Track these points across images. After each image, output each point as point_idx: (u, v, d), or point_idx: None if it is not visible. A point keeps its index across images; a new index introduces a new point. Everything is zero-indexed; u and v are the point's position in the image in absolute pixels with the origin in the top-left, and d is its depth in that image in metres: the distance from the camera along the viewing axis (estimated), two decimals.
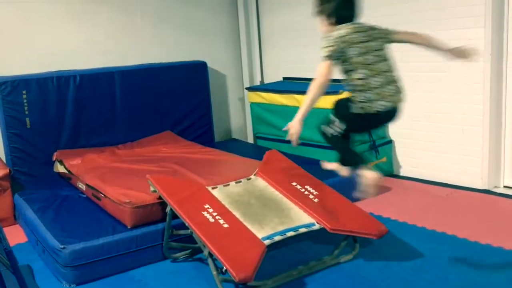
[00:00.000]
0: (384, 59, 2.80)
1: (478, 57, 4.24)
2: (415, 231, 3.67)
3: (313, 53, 5.77)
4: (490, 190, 4.48)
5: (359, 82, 2.74)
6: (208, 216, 3.08)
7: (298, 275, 3.10)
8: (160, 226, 3.42)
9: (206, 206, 3.18)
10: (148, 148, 5.15)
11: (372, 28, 2.79)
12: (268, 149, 4.53)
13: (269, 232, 2.99)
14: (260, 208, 3.28)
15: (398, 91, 2.78)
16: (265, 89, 5.79)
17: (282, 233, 3.00)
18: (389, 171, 5.18)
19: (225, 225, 3.01)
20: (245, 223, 3.07)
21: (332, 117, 3.01)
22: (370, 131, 4.59)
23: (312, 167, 4.13)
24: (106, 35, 5.55)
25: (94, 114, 5.18)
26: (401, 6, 4.78)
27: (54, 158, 4.87)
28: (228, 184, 3.57)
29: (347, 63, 2.77)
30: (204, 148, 5.13)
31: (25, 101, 4.78)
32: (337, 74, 2.95)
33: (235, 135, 6.63)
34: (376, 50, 2.74)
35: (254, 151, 5.29)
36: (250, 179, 3.68)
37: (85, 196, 4.13)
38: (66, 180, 4.63)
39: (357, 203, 4.03)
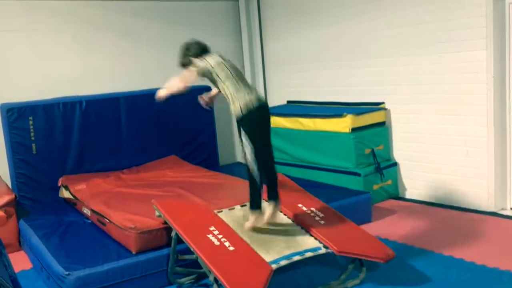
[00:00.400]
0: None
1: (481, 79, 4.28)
2: (422, 255, 3.63)
3: (317, 77, 5.83)
4: (497, 212, 4.44)
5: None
6: (213, 239, 3.06)
7: None
8: (165, 251, 3.41)
9: (212, 228, 3.17)
10: (153, 172, 5.16)
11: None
12: None
13: (275, 256, 2.97)
14: (266, 232, 3.26)
15: None
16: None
17: (288, 257, 2.98)
18: (395, 194, 5.16)
19: (231, 248, 2.99)
20: (251, 247, 3.05)
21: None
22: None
23: (317, 190, 4.13)
24: (111, 61, 5.62)
25: (99, 139, 5.21)
26: (404, 30, 4.83)
27: (59, 184, 4.89)
28: (233, 208, 3.56)
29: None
30: (209, 172, 5.13)
31: (31, 127, 4.82)
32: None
33: (239, 159, 6.63)
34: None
35: None
36: None
37: (90, 221, 4.13)
38: (71, 205, 4.63)
39: (363, 226, 4.01)
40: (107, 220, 3.75)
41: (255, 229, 3.29)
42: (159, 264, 3.39)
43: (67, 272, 3.13)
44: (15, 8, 5.06)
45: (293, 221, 3.38)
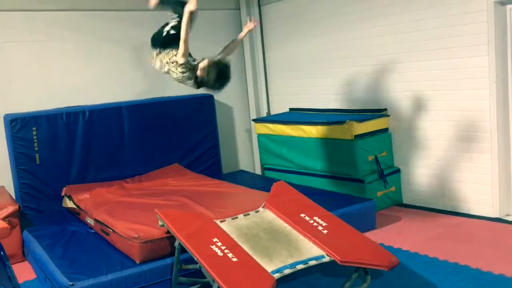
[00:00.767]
0: None
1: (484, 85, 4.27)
2: (427, 262, 3.62)
3: (319, 84, 5.84)
4: (502, 218, 4.42)
5: None
6: (216, 250, 3.06)
7: None
8: (168, 261, 3.40)
9: (215, 239, 3.16)
10: (156, 181, 5.16)
11: None
12: (276, 180, 4.53)
13: (278, 265, 2.96)
14: (269, 241, 3.25)
15: None
16: (272, 120, 5.83)
17: (291, 266, 2.97)
18: (398, 200, 5.14)
19: (234, 259, 2.98)
20: (254, 257, 3.04)
21: None
22: None
23: (320, 197, 4.11)
24: (113, 70, 5.65)
25: (102, 148, 5.23)
26: (406, 36, 4.84)
27: (63, 194, 4.90)
28: (237, 217, 3.56)
29: None
30: (212, 180, 5.13)
31: (35, 137, 4.84)
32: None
33: (242, 167, 6.64)
34: None
35: (262, 183, 5.28)
36: (258, 211, 3.66)
37: (93, 231, 4.13)
38: (75, 215, 4.63)
39: (368, 234, 3.99)
40: (111, 230, 3.75)
41: (257, 238, 3.28)
42: (163, 274, 3.38)
43: (71, 283, 3.13)
44: (17, 19, 5.09)
45: (296, 231, 3.36)
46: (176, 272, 3.33)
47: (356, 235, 3.37)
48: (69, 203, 4.76)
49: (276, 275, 2.86)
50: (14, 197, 4.86)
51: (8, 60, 5.06)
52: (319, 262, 3.04)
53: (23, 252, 4.32)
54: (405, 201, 5.17)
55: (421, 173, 4.98)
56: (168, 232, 3.39)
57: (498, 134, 4.35)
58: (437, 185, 4.85)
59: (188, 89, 6.08)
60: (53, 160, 4.96)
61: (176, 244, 3.26)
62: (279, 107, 6.40)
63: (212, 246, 3.08)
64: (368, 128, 4.96)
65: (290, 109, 6.23)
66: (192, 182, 5.06)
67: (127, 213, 4.05)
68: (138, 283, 3.30)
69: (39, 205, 4.89)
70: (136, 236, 3.42)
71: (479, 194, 4.52)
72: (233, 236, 3.26)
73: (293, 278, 3.40)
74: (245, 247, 3.13)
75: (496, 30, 4.21)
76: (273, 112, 6.51)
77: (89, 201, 4.52)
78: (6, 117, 4.84)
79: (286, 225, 3.44)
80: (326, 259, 3.06)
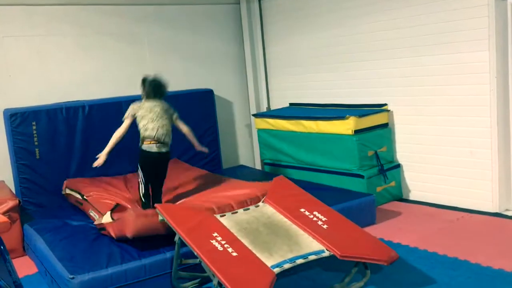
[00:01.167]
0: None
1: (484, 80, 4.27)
2: (426, 257, 3.62)
3: (319, 79, 5.84)
4: (501, 213, 4.43)
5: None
6: (216, 244, 3.06)
7: None
8: (168, 255, 3.41)
9: (215, 234, 3.17)
10: None
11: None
12: (276, 175, 4.54)
13: (278, 259, 2.97)
14: (268, 235, 3.26)
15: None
16: (271, 115, 5.83)
17: (291, 260, 2.98)
18: (398, 195, 5.15)
19: (234, 254, 2.99)
20: (254, 251, 3.05)
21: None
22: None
23: (320, 192, 4.12)
24: (114, 65, 5.64)
25: (102, 143, 5.17)
26: (406, 31, 4.83)
27: (64, 187, 4.90)
28: (236, 212, 3.56)
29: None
30: (212, 175, 5.13)
31: (34, 132, 4.83)
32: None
33: (242, 162, 6.64)
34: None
35: (262, 177, 5.27)
36: (258, 206, 3.67)
37: (94, 225, 4.12)
38: (78, 204, 4.61)
39: (367, 229, 4.00)
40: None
41: (257, 233, 3.28)
42: (163, 268, 3.39)
43: (71, 276, 3.14)
44: (17, 14, 5.08)
45: (295, 225, 3.37)
46: (176, 267, 3.34)
47: (355, 230, 3.38)
48: (71, 193, 4.76)
49: (276, 270, 2.87)
50: (14, 191, 4.87)
51: (7, 54, 5.05)
52: (319, 257, 3.05)
53: (23, 247, 4.33)
54: (404, 196, 5.18)
55: (421, 168, 4.98)
56: (168, 226, 3.39)
57: (498, 129, 4.35)
58: (437, 180, 4.85)
59: (188, 84, 6.11)
60: (53, 154, 4.96)
61: (176, 238, 3.27)
62: (279, 102, 6.39)
63: (212, 241, 3.09)
64: (368, 123, 4.96)
65: (290, 104, 6.23)
66: (192, 177, 5.05)
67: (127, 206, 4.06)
68: (138, 276, 3.31)
69: (39, 200, 4.89)
70: (129, 208, 3.41)
71: (479, 189, 4.53)
72: (233, 230, 3.27)
73: (293, 273, 3.41)
74: (245, 241, 3.14)
75: (497, 25, 4.20)
76: (273, 107, 6.50)
77: (94, 193, 4.51)
78: (5, 111, 4.84)
79: (286, 219, 3.45)
80: (326, 253, 3.07)
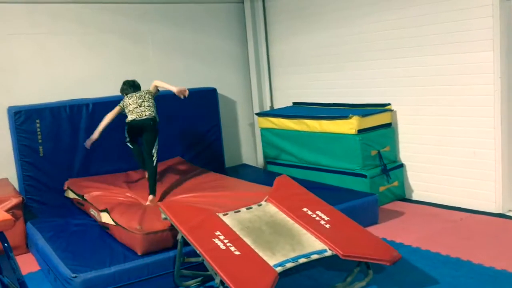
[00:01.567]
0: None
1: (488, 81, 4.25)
2: (429, 257, 3.62)
3: (322, 78, 5.83)
4: (504, 214, 4.42)
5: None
6: (219, 243, 3.07)
7: None
8: (171, 253, 3.42)
9: (217, 233, 3.17)
10: (159, 175, 5.16)
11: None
12: (279, 174, 4.54)
13: (280, 259, 2.97)
14: (271, 234, 3.26)
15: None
16: (275, 114, 5.83)
17: (294, 259, 2.98)
18: (401, 195, 5.15)
19: (237, 252, 2.99)
20: (257, 250, 3.05)
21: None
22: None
23: (323, 192, 4.12)
24: (117, 64, 5.65)
25: (106, 141, 5.22)
26: (410, 31, 4.82)
27: (65, 187, 4.91)
28: (239, 211, 3.56)
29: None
30: (214, 174, 5.14)
31: (38, 130, 4.85)
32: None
33: (245, 161, 6.64)
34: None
35: (265, 177, 5.29)
36: (261, 205, 3.67)
37: (96, 223, 4.14)
38: (78, 205, 4.65)
39: (370, 228, 4.00)
40: (113, 223, 3.76)
41: (259, 232, 3.29)
42: (166, 267, 3.40)
43: (74, 275, 3.15)
44: (21, 12, 5.09)
45: (298, 225, 3.37)
46: (179, 265, 3.34)
47: (358, 229, 3.38)
48: (71, 194, 4.78)
49: (278, 269, 2.87)
50: (17, 189, 4.88)
51: (12, 52, 5.07)
52: (321, 256, 3.05)
53: (27, 244, 4.34)
54: (407, 196, 5.17)
55: (424, 168, 4.97)
56: (171, 225, 3.40)
57: (502, 130, 4.34)
58: (440, 180, 4.84)
59: (191, 83, 6.11)
60: (56, 152, 4.97)
61: (179, 237, 3.28)
62: (283, 101, 6.39)
63: (214, 240, 3.10)
64: (371, 122, 4.96)
65: (294, 103, 6.23)
66: (194, 176, 5.06)
67: (130, 206, 4.07)
68: (140, 275, 3.31)
69: (43, 197, 4.91)
70: (138, 227, 3.44)
71: (482, 189, 4.52)
72: (235, 229, 3.27)
73: (295, 272, 3.41)
74: (247, 240, 3.14)
75: (501, 25, 4.19)
76: (276, 106, 6.50)
77: (93, 193, 4.53)
78: (10, 109, 4.86)
79: (288, 219, 3.45)
80: (328, 253, 3.07)
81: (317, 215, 3.45)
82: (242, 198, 3.90)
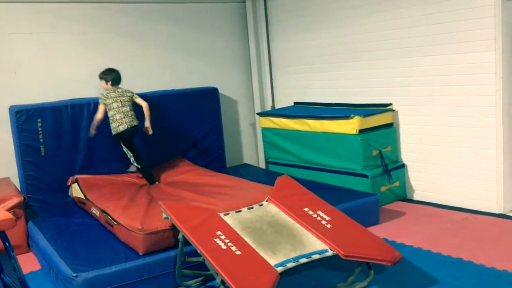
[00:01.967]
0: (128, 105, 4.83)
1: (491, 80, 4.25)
2: (430, 257, 3.61)
3: (324, 78, 5.83)
4: (506, 214, 4.41)
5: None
6: (220, 243, 3.07)
7: None
8: (172, 253, 3.42)
9: (218, 233, 3.17)
10: (160, 174, 5.17)
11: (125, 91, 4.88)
12: (280, 174, 4.54)
13: (281, 259, 2.97)
14: (272, 234, 3.26)
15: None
16: (276, 114, 5.83)
17: (295, 259, 2.98)
18: (402, 196, 5.14)
19: (238, 252, 2.99)
20: (258, 250, 3.05)
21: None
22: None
23: (324, 192, 4.12)
24: (119, 63, 5.63)
25: (107, 141, 5.23)
26: (411, 31, 4.81)
27: (69, 183, 4.92)
28: (240, 210, 3.56)
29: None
30: (216, 174, 5.14)
31: (40, 129, 4.85)
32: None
33: (246, 160, 6.64)
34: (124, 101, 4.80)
35: (266, 176, 5.28)
36: (262, 205, 3.67)
37: (98, 223, 4.14)
38: (80, 205, 4.65)
39: (371, 229, 4.00)
40: (115, 222, 3.77)
41: (261, 232, 3.29)
42: (167, 266, 3.40)
43: (75, 274, 3.15)
44: (23, 11, 5.09)
45: (299, 225, 3.37)
46: (180, 265, 3.34)
47: (359, 229, 3.37)
48: (75, 193, 4.78)
49: (279, 269, 2.87)
50: (19, 188, 4.89)
51: (14, 51, 5.07)
52: (322, 256, 3.05)
53: (28, 243, 4.35)
54: (409, 196, 5.17)
55: (425, 168, 4.97)
56: (172, 224, 3.40)
57: (504, 130, 4.33)
58: (442, 180, 4.84)
59: (192, 82, 6.12)
60: (58, 152, 4.98)
61: (180, 236, 3.28)
62: (284, 101, 6.39)
63: (215, 239, 3.10)
64: (373, 122, 4.95)
65: (295, 103, 6.22)
66: (195, 176, 5.06)
67: (132, 205, 4.07)
68: (141, 275, 3.31)
69: (44, 197, 4.91)
70: (139, 227, 3.44)
71: (483, 189, 4.51)
72: (236, 229, 3.27)
73: (296, 272, 3.41)
74: (248, 240, 3.14)
75: (503, 25, 4.18)
76: (277, 106, 6.50)
77: (95, 191, 4.54)
78: (11, 108, 4.86)
79: (289, 219, 3.45)
80: (329, 253, 3.07)
81: (318, 215, 3.45)
82: (243, 197, 3.90)
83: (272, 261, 2.93)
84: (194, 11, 6.13)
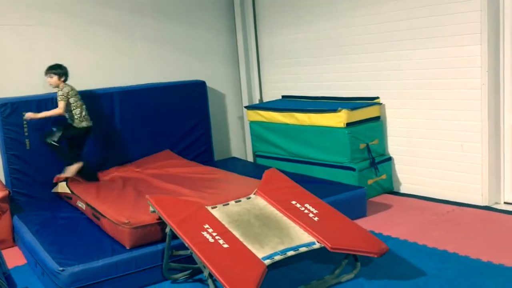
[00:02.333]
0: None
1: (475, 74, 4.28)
2: (416, 249, 3.65)
3: (311, 72, 5.83)
4: (491, 206, 4.47)
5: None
6: (208, 236, 3.07)
7: None
8: (159, 247, 3.41)
9: (206, 226, 3.17)
10: (147, 167, 5.15)
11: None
12: (268, 167, 4.54)
13: (269, 251, 2.98)
14: (260, 227, 3.26)
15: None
16: (264, 107, 5.82)
17: (282, 252, 2.99)
18: (389, 188, 5.18)
19: (225, 245, 2.99)
20: (245, 243, 3.05)
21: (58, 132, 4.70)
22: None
23: (311, 185, 4.13)
24: (105, 56, 5.60)
25: (93, 134, 5.19)
26: (398, 24, 4.83)
27: (55, 181, 4.87)
28: (228, 204, 3.56)
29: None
30: (203, 167, 5.13)
31: (25, 122, 4.79)
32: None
33: (234, 154, 6.63)
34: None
35: (254, 170, 5.29)
36: (250, 198, 3.67)
37: (84, 217, 4.12)
38: (66, 199, 4.61)
39: (358, 221, 4.02)
40: (101, 215, 3.75)
41: (248, 225, 3.29)
42: (154, 260, 3.38)
43: (61, 268, 3.13)
44: (8, 2, 5.01)
45: (287, 218, 3.38)
46: (167, 258, 3.34)
47: (346, 222, 3.39)
48: (61, 189, 4.74)
49: (267, 262, 2.88)
50: (4, 182, 4.83)
51: None
52: (310, 249, 3.06)
53: (13, 238, 4.30)
54: (395, 189, 5.21)
55: (412, 161, 5.01)
56: (159, 218, 3.39)
57: (489, 124, 4.38)
58: (428, 173, 4.88)
59: (180, 75, 6.08)
60: (43, 145, 4.91)
61: (167, 230, 3.27)
62: (272, 94, 6.38)
63: (203, 233, 3.09)
64: (360, 116, 4.97)
65: (283, 96, 6.22)
66: (183, 169, 5.05)
67: (118, 198, 4.05)
68: (128, 268, 3.30)
69: (30, 191, 4.86)
70: (126, 221, 3.42)
71: (469, 182, 4.56)
72: (224, 222, 3.27)
73: (283, 265, 3.42)
74: (236, 233, 3.15)
75: (489, 19, 4.21)
76: (265, 99, 6.49)
77: (81, 185, 4.50)
78: None
79: (277, 212, 3.46)
80: (317, 245, 3.08)
81: (306, 208, 3.47)
82: (231, 191, 3.90)
83: (260, 254, 2.94)
84: (181, 4, 6.08)
